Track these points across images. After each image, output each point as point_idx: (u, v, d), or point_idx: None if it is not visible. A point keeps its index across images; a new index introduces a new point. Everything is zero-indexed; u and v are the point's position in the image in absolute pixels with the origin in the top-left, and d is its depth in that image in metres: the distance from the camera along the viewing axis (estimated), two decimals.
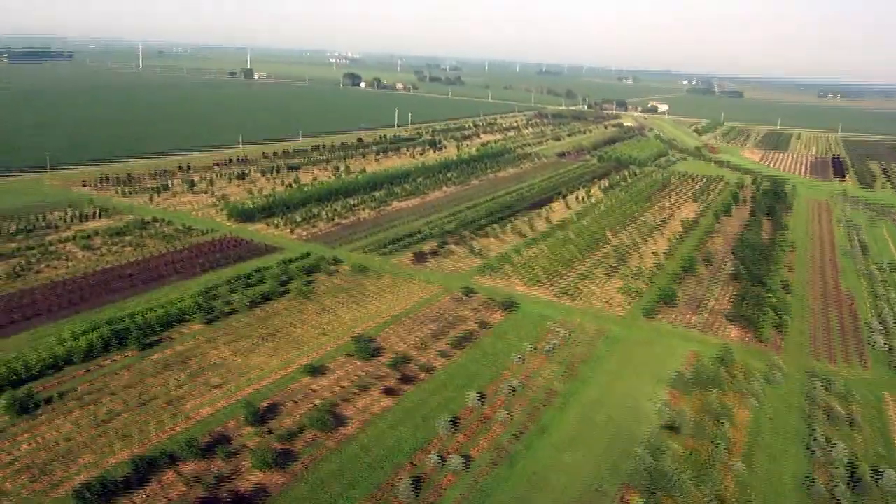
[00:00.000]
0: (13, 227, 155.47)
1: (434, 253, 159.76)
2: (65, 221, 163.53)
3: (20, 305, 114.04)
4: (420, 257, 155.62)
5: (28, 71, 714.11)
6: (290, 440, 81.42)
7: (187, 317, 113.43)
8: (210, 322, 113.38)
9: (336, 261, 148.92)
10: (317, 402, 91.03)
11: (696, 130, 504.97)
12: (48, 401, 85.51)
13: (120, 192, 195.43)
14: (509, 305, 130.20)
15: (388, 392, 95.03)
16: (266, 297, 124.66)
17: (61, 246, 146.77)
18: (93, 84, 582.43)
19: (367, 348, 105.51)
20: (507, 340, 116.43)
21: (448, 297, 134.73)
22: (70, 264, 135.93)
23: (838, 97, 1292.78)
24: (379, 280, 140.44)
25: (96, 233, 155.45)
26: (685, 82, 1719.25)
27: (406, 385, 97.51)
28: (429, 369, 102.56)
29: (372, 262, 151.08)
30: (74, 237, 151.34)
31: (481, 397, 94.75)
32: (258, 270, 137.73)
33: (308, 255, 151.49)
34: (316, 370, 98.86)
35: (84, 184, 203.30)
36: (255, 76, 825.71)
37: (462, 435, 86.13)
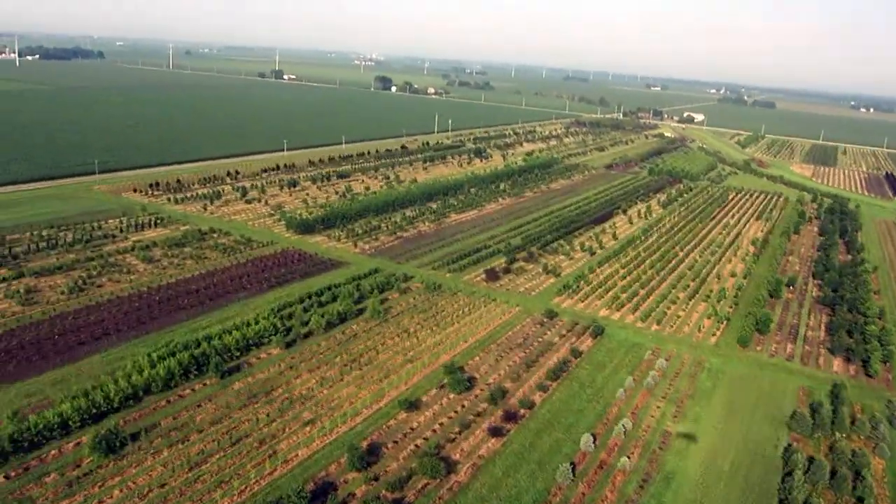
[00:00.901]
0: (69, 237, 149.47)
1: (506, 270, 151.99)
2: (121, 231, 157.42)
3: (87, 324, 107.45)
4: (492, 275, 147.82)
5: (61, 69, 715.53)
6: (401, 488, 73.71)
7: (265, 340, 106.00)
8: (288, 346, 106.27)
9: (407, 277, 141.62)
10: (419, 442, 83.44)
11: (739, 143, 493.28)
12: (134, 437, 78.39)
13: (172, 199, 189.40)
14: (597, 331, 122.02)
15: (494, 432, 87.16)
16: (342, 318, 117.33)
17: (121, 257, 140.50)
18: (127, 83, 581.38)
19: (460, 380, 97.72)
20: (604, 372, 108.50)
21: (530, 319, 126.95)
22: (132, 277, 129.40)
23: (871, 110, 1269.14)
24: (454, 299, 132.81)
25: (154, 243, 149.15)
26: (712, 91, 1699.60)
27: (510, 423, 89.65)
28: (530, 405, 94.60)
29: (443, 279, 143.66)
30: (133, 248, 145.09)
31: (594, 438, 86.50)
32: (330, 288, 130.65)
33: (377, 271, 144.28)
34: (411, 404, 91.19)
35: (135, 190, 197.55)
36: (285, 77, 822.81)
37: (584, 484, 78.04)
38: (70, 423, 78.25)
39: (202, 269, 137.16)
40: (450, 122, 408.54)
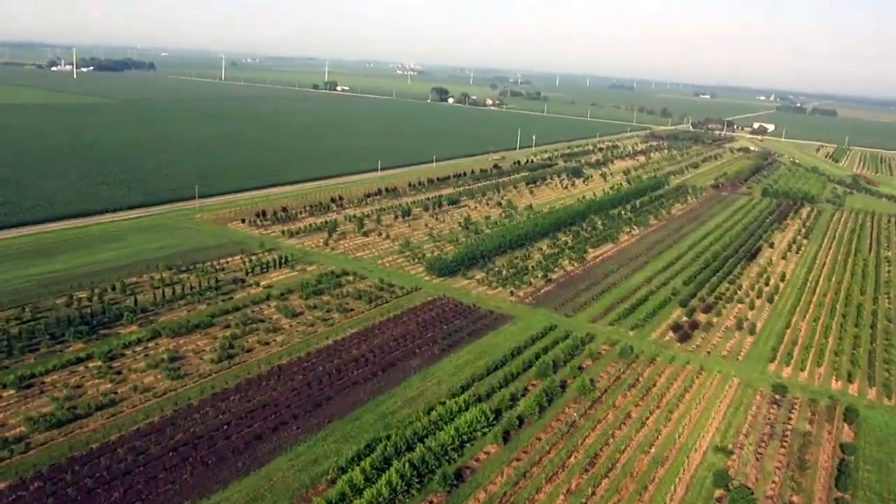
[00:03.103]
0: (193, 281, 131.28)
1: (692, 325, 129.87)
2: (246, 273, 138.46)
3: (255, 407, 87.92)
4: (681, 333, 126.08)
5: (117, 81, 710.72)
6: None
7: (476, 432, 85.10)
8: (506, 439, 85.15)
9: (589, 337, 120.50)
10: None
11: (829, 156, 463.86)
12: None
13: (285, 231, 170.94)
14: (850, 415, 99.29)
15: None
16: (549, 397, 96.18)
17: (258, 309, 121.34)
18: (187, 96, 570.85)
19: (745, 496, 75.47)
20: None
21: (758, 397, 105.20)
22: (281, 339, 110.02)
23: None
24: (657, 369, 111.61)
25: (289, 290, 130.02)
26: (761, 98, 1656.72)
27: None
28: None
29: (628, 338, 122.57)
30: (267, 297, 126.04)
31: None
32: (514, 354, 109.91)
33: (552, 328, 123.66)
34: None
35: (243, 220, 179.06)
36: (338, 88, 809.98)
37: None
38: None
39: (355, 325, 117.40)
40: (533, 137, 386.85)
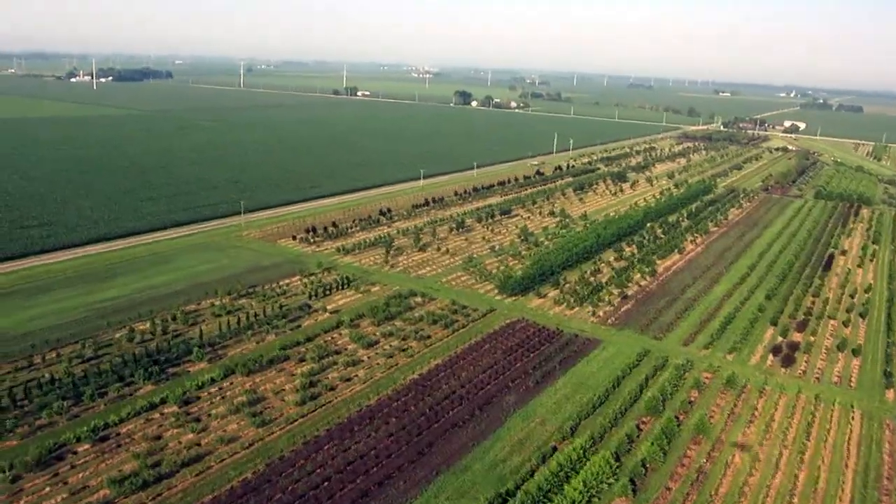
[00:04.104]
0: (254, 307, 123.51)
1: (792, 347, 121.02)
2: (309, 296, 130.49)
3: (350, 462, 79.30)
4: (779, 354, 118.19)
5: (138, 91, 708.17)
6: None
7: (603, 484, 76.21)
8: (633, 490, 76.44)
9: (688, 364, 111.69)
10: None
11: (872, 155, 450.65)
12: None
13: (339, 248, 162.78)
14: None
15: None
16: (668, 437, 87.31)
17: (329, 338, 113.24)
18: (211, 105, 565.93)
19: None
20: None
21: (886, 431, 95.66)
22: (362, 373, 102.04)
23: None
24: (768, 398, 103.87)
25: (359, 315, 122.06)
26: (782, 95, 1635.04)
27: None
28: None
29: (726, 363, 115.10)
30: (338, 324, 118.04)
31: None
32: (614, 386, 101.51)
33: (646, 353, 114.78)
34: None
35: (293, 237, 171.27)
36: (358, 94, 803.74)
37: None
38: None
39: (436, 355, 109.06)
40: (570, 141, 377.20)
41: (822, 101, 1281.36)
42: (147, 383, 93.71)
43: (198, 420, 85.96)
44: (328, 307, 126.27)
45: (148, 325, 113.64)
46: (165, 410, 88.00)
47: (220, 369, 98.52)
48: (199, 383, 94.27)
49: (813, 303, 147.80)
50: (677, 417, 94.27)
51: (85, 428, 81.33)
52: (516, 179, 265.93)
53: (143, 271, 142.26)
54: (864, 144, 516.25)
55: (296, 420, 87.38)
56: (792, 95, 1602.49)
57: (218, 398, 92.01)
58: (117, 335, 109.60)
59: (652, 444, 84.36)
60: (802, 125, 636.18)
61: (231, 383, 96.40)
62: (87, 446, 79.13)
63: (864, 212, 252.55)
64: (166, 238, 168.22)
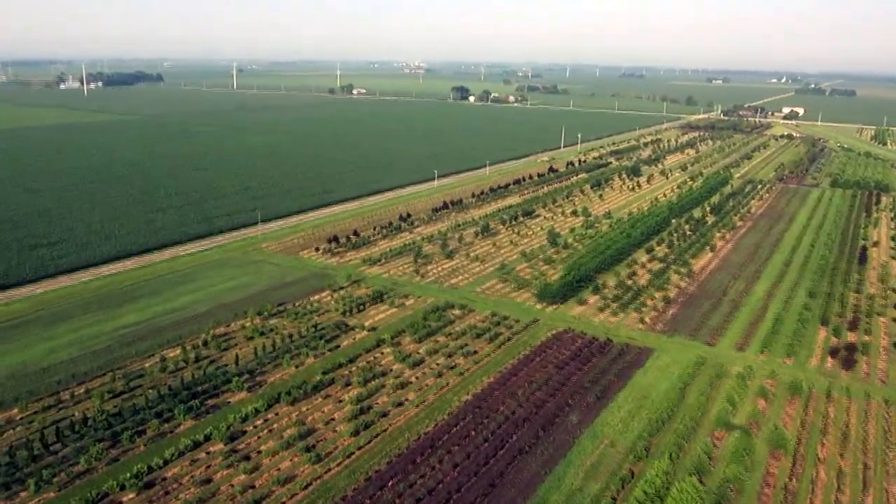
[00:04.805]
0: (287, 328, 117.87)
1: (850, 349, 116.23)
2: (343, 313, 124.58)
3: (419, 500, 73.91)
4: (838, 356, 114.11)
5: (130, 96, 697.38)
6: None
7: None
8: None
9: (749, 372, 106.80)
10: None
11: (876, 139, 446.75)
12: None
13: (365, 259, 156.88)
14: None
15: None
16: (747, 453, 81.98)
17: (372, 359, 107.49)
18: (208, 108, 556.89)
19: None
20: None
21: None
22: (412, 396, 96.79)
23: None
24: (837, 405, 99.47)
25: (399, 332, 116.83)
26: (773, 81, 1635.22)
27: None
28: None
29: (785, 368, 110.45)
30: (378, 343, 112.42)
31: None
32: (678, 399, 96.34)
33: (702, 361, 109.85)
34: None
35: (317, 249, 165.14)
36: (354, 92, 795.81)
37: None
38: None
39: (487, 373, 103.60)
40: (578, 136, 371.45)
41: (814, 86, 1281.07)
42: (187, 418, 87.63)
43: (248, 458, 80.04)
44: (365, 324, 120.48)
45: (178, 351, 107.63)
46: (211, 448, 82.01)
47: (263, 399, 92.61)
48: (243, 415, 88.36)
49: (858, 299, 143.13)
50: (750, 430, 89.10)
51: (127, 474, 75.34)
52: (531, 177, 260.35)
53: (163, 292, 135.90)
54: (865, 129, 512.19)
55: (352, 453, 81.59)
56: (783, 81, 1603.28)
57: (265, 431, 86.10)
58: (147, 365, 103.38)
59: (733, 462, 79.19)
60: (801, 111, 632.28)
61: (276, 414, 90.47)
62: (132, 495, 73.16)
63: (885, 200, 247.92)
64: (183, 254, 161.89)
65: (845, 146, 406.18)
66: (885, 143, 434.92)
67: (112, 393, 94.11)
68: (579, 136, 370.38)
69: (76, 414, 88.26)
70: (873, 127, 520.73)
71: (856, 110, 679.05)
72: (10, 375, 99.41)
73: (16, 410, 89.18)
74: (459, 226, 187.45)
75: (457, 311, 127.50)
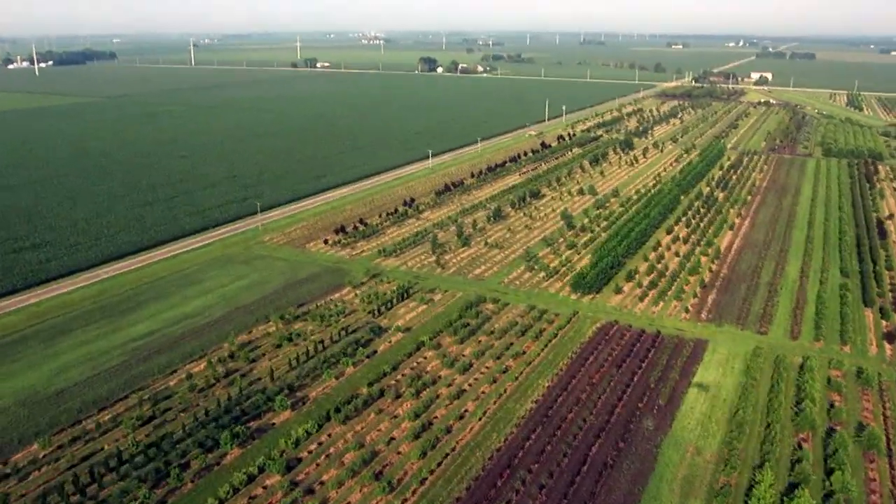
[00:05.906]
0: (318, 331, 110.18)
1: (890, 338, 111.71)
2: (371, 314, 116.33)
3: None
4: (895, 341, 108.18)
5: (84, 76, 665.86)
6: None
7: None
8: None
9: (806, 363, 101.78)
10: None
11: (851, 105, 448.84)
12: None
13: (380, 250, 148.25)
14: None
15: None
16: (844, 458, 77.04)
17: (415, 364, 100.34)
18: (168, 87, 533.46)
19: None
20: None
21: None
22: (471, 406, 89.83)
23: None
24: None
25: (437, 332, 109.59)
26: (731, 45, 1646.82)
27: None
28: None
29: (844, 356, 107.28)
30: (418, 346, 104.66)
31: None
32: (748, 397, 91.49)
33: (758, 351, 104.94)
34: None
35: (326, 241, 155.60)
36: (318, 65, 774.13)
37: None
38: None
39: (542, 375, 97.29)
40: (563, 108, 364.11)
41: (773, 49, 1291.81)
42: (234, 446, 78.99)
43: (311, 491, 72.31)
44: (396, 324, 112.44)
45: (203, 366, 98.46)
46: (268, 482, 73.86)
47: (312, 419, 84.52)
48: (294, 440, 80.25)
49: (892, 277, 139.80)
50: (834, 429, 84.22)
51: None
52: (525, 154, 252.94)
53: (170, 296, 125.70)
54: (837, 94, 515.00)
55: (426, 478, 74.47)
56: (741, 45, 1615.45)
57: (323, 457, 78.19)
58: (172, 384, 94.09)
59: (837, 469, 74.24)
60: (769, 76, 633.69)
61: (330, 436, 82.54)
62: None
63: (882, 169, 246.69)
64: (181, 251, 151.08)
65: (825, 112, 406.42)
66: (860, 109, 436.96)
67: (141, 420, 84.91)
68: (564, 108, 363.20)
69: (107, 447, 78.95)
70: (845, 91, 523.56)
71: (820, 74, 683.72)
72: (20, 402, 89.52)
73: (36, 446, 79.60)
74: (466, 210, 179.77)
75: (490, 306, 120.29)
